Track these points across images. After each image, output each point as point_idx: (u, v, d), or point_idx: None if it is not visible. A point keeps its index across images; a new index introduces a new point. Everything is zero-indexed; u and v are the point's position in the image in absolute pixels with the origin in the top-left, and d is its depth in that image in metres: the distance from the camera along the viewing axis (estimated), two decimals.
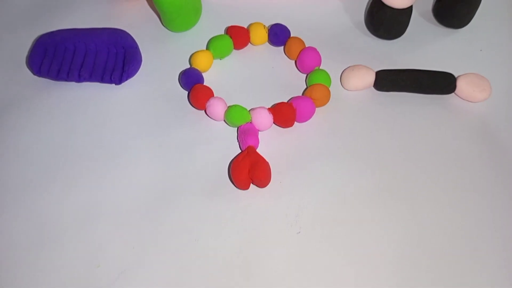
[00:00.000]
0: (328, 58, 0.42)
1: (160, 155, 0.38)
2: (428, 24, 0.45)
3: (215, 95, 0.40)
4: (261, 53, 0.43)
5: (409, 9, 0.41)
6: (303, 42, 0.42)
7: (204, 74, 0.41)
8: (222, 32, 0.44)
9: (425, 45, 0.43)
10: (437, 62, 0.42)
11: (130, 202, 0.36)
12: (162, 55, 0.43)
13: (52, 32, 0.42)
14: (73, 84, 0.41)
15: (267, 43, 0.43)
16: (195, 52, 0.41)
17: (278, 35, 0.42)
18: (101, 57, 0.41)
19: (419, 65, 0.42)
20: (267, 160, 0.36)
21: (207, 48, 0.42)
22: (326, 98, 0.39)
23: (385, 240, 0.34)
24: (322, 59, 0.41)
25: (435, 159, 0.37)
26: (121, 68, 0.41)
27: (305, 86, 0.41)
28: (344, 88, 0.41)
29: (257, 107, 0.38)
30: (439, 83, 0.39)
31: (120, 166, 0.37)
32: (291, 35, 0.43)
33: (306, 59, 0.40)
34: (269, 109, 0.38)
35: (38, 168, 0.38)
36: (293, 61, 0.42)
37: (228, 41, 0.42)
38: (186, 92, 0.41)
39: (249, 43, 0.43)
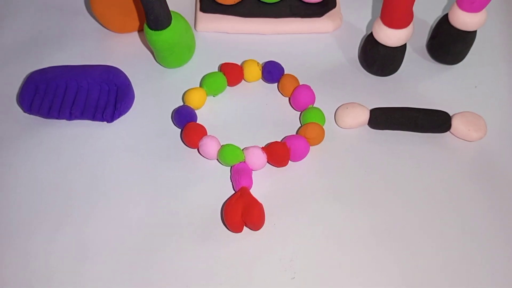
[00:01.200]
0: (322, 95, 0.42)
1: (151, 195, 0.37)
2: (422, 60, 0.45)
3: (208, 133, 0.39)
4: (255, 90, 0.43)
5: (403, 47, 0.41)
6: (296, 80, 0.41)
7: (197, 111, 0.41)
8: (216, 68, 0.44)
9: (419, 82, 0.43)
10: (432, 99, 0.42)
11: (119, 244, 0.35)
12: (155, 92, 0.43)
13: (43, 69, 0.41)
14: (64, 122, 0.41)
15: (261, 80, 0.43)
16: (188, 89, 0.41)
17: (272, 73, 0.42)
18: (93, 94, 0.41)
19: (414, 101, 0.42)
20: (260, 201, 0.36)
21: (201, 85, 0.42)
22: (320, 137, 0.38)
23: (382, 284, 0.33)
24: (316, 96, 0.41)
25: (430, 199, 0.37)
26: (113, 105, 0.40)
27: (299, 124, 0.41)
28: (339, 126, 0.40)
29: (250, 146, 0.38)
30: (434, 122, 0.39)
31: (110, 206, 0.37)
32: (285, 72, 0.42)
33: (300, 97, 0.40)
34: (262, 148, 0.38)
35: (28, 207, 0.37)
36: (287, 98, 0.42)
37: (222, 79, 0.41)
38: (179, 130, 0.40)
39: (243, 80, 0.43)
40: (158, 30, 0.40)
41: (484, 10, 0.40)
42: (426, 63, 0.44)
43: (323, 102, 0.41)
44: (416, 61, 0.44)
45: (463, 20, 0.40)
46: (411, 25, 0.39)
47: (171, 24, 0.40)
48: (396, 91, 0.43)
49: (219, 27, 0.46)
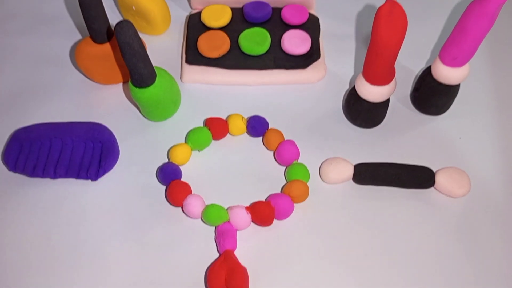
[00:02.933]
0: (307, 148, 0.42)
1: (134, 257, 0.37)
2: (407, 109, 0.45)
3: (192, 191, 0.39)
4: (240, 143, 0.43)
5: (386, 101, 0.41)
6: (281, 134, 0.42)
7: (182, 167, 0.41)
8: (201, 120, 0.44)
9: (404, 133, 0.43)
10: (417, 150, 0.42)
11: None
12: (140, 146, 0.43)
13: (27, 127, 0.41)
14: (49, 180, 0.41)
15: (246, 134, 0.43)
16: (173, 146, 0.41)
17: (256, 128, 0.42)
18: (78, 152, 0.41)
19: (399, 153, 0.42)
20: (245, 263, 0.36)
21: (186, 141, 0.42)
22: (304, 194, 0.38)
23: None
24: (301, 149, 0.41)
25: (416, 256, 0.37)
26: (98, 163, 0.40)
27: (284, 178, 0.41)
28: (323, 181, 0.41)
29: (234, 206, 0.38)
30: (418, 178, 0.39)
31: (94, 267, 0.37)
32: (269, 126, 0.43)
33: (284, 153, 0.40)
34: (247, 208, 0.38)
35: (11, 267, 0.37)
36: (272, 152, 0.42)
37: (207, 134, 0.41)
38: (164, 187, 0.40)
39: (228, 134, 0.43)
40: (142, 87, 0.40)
41: (467, 64, 0.40)
42: (410, 113, 0.45)
43: (308, 156, 0.41)
44: (400, 111, 0.45)
45: (445, 74, 0.40)
46: (393, 81, 0.40)
47: (156, 81, 0.40)
48: (381, 142, 0.43)
49: (205, 79, 0.46)
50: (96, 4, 0.40)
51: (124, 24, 0.36)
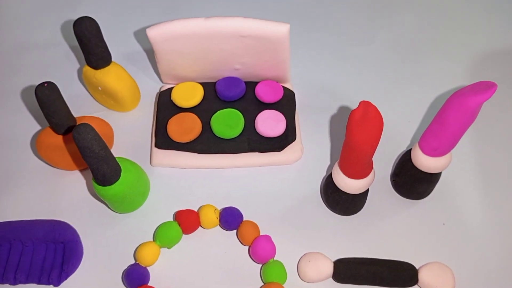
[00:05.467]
0: (284, 241, 0.39)
1: None
2: (387, 192, 0.43)
3: None
4: (212, 237, 0.40)
5: (366, 190, 0.39)
6: (256, 228, 0.39)
7: (150, 268, 0.38)
8: (171, 209, 0.41)
9: (385, 218, 0.41)
10: (398, 238, 0.40)
11: None
12: (105, 244, 0.40)
13: None
14: (8, 286, 0.38)
15: (219, 226, 0.41)
16: (141, 245, 0.38)
17: (229, 222, 0.39)
18: (39, 255, 0.38)
19: (380, 242, 0.40)
20: None
21: (154, 238, 0.39)
22: None
23: None
24: (278, 244, 0.39)
25: None
26: (60, 266, 0.38)
27: (260, 277, 0.38)
28: (302, 280, 0.38)
29: None
30: (400, 277, 0.37)
31: None
32: (244, 218, 0.40)
33: (260, 252, 0.38)
34: None
35: None
36: (247, 246, 0.40)
37: (176, 230, 0.39)
38: None
39: (200, 227, 0.40)
40: (105, 186, 0.37)
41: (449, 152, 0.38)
42: (391, 196, 0.42)
43: (285, 251, 0.39)
44: (381, 194, 0.42)
45: (426, 164, 0.38)
46: (372, 172, 0.38)
47: (120, 178, 0.38)
48: (361, 230, 0.41)
49: (175, 163, 0.44)
50: (54, 99, 0.38)
51: (82, 129, 0.34)
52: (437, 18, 0.56)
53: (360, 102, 0.33)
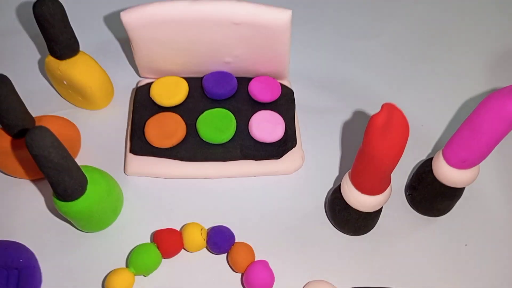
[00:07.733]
0: (283, 266, 0.34)
1: None
2: (402, 207, 0.37)
3: None
4: (198, 262, 0.34)
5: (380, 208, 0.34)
6: (250, 251, 0.33)
7: None
8: (148, 229, 0.35)
9: (400, 238, 0.36)
10: (414, 262, 0.35)
11: None
12: (69, 270, 0.33)
13: None
14: None
15: (206, 249, 0.35)
16: (111, 273, 0.32)
17: (219, 245, 0.33)
18: None
19: (394, 267, 0.34)
20: None
21: (127, 264, 0.33)
22: None
23: None
24: (276, 271, 0.33)
25: None
26: None
27: None
28: None
29: None
30: None
31: None
32: (236, 240, 0.34)
33: (255, 279, 0.32)
34: None
35: None
36: (240, 274, 0.34)
37: (155, 254, 0.33)
38: None
39: (183, 249, 0.34)
40: (68, 201, 0.31)
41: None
42: (406, 212, 0.37)
43: (284, 278, 0.33)
44: (395, 209, 0.37)
45: (451, 178, 0.33)
46: (388, 188, 0.32)
47: (86, 192, 0.31)
48: (372, 251, 0.35)
49: (154, 172, 0.37)
50: (5, 95, 0.31)
51: (37, 134, 0.27)
52: (454, 6, 0.50)
53: (383, 105, 0.27)
